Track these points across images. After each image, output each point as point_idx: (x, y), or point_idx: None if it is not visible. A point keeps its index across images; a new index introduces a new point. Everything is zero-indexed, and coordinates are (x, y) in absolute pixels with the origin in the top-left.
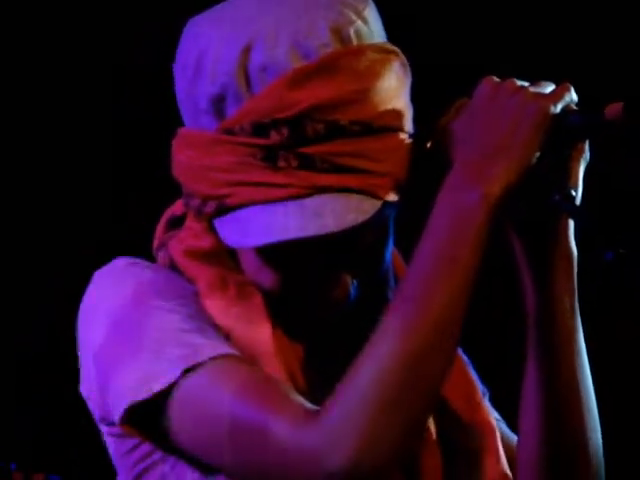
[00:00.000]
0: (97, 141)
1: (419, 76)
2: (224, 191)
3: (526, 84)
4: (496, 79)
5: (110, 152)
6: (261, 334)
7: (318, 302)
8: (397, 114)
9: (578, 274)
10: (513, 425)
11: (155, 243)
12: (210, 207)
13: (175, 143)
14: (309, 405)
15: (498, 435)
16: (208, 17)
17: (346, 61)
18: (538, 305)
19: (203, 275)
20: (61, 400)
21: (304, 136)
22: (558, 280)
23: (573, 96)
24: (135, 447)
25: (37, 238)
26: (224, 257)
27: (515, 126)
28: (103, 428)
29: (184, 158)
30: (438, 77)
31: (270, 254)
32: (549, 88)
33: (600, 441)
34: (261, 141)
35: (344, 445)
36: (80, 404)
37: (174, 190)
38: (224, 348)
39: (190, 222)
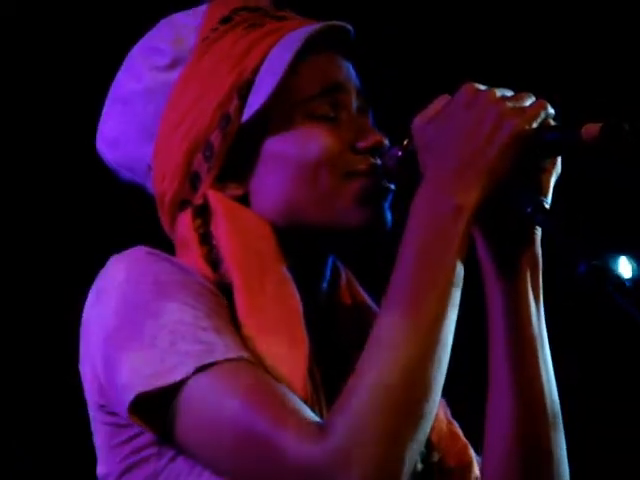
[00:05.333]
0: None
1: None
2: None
3: (507, 94)
4: (477, 86)
5: None
6: (296, 351)
7: (360, 162)
8: None
9: (547, 284)
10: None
11: (181, 231)
12: (234, 104)
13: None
14: (317, 419)
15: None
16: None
17: None
18: (504, 312)
19: (239, 267)
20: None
21: None
22: (524, 288)
23: (550, 111)
24: (131, 438)
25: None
26: (264, 236)
27: (488, 141)
28: (99, 415)
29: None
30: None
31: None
32: (528, 102)
33: (564, 449)
34: None
35: (354, 463)
36: (51, 420)
37: None
38: (238, 351)
39: (220, 201)
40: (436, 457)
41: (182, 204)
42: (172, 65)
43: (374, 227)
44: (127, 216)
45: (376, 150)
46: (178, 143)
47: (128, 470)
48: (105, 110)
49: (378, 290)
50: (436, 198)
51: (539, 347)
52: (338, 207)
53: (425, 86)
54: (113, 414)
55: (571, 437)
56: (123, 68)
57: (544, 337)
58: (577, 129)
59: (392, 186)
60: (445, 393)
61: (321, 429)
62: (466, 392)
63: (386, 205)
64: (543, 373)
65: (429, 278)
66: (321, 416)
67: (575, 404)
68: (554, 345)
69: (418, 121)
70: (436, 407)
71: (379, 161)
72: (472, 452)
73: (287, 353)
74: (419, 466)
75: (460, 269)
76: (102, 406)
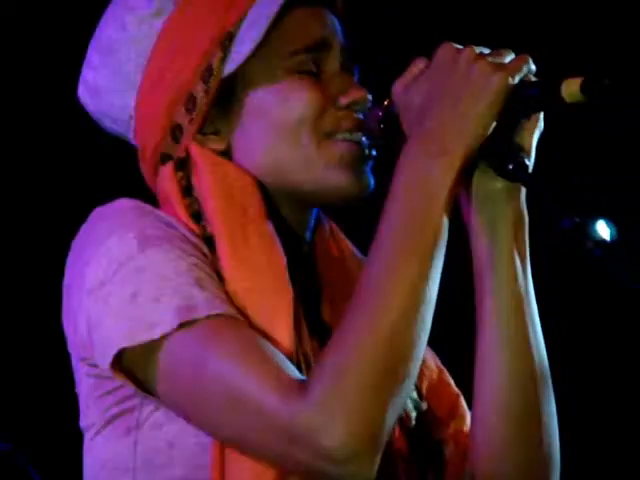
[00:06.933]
0: None
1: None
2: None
3: (485, 51)
4: (455, 45)
5: None
6: (281, 302)
7: (344, 119)
8: None
9: (533, 240)
10: None
11: (164, 184)
12: (216, 56)
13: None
14: (299, 376)
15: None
16: None
17: None
18: (489, 270)
19: (223, 220)
20: (11, 368)
21: None
22: (509, 246)
23: (531, 67)
24: (114, 390)
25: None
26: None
27: (472, 97)
28: (82, 367)
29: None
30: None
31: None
32: (508, 57)
33: (553, 405)
34: None
35: (337, 420)
36: (31, 371)
37: None
38: (222, 306)
39: (202, 155)
40: (425, 406)
41: (164, 157)
42: (156, 14)
43: (355, 191)
44: (111, 169)
45: (359, 105)
46: (160, 94)
47: (111, 421)
48: (88, 58)
49: (362, 246)
50: (421, 157)
51: (525, 304)
52: (320, 169)
53: (411, 44)
54: (96, 366)
55: (559, 391)
56: (106, 16)
57: (530, 294)
58: (557, 85)
59: (374, 152)
60: (434, 346)
61: (303, 386)
62: (454, 346)
63: (368, 170)
64: (530, 329)
65: (414, 237)
66: (308, 367)
67: (562, 358)
68: (541, 301)
69: (399, 85)
70: (418, 365)
71: (362, 116)
72: (464, 403)
73: (272, 305)
74: (413, 414)
75: (445, 228)
76: (85, 359)
